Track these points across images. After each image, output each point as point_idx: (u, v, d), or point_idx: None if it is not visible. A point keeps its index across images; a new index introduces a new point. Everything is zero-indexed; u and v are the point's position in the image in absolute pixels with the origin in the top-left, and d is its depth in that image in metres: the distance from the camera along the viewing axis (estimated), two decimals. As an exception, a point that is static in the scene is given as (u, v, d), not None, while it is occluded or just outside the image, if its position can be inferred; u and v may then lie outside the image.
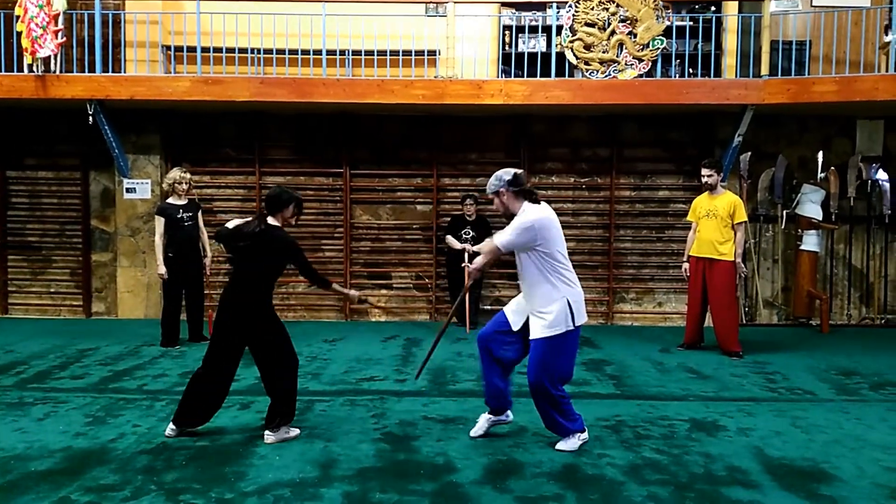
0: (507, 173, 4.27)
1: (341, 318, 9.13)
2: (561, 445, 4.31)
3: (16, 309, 9.26)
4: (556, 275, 4.20)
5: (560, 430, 4.34)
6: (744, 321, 8.66)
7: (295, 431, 4.54)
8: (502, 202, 4.28)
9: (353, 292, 5.03)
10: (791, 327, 8.81)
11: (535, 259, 4.19)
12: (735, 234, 6.93)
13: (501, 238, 4.21)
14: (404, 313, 9.18)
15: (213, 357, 4.46)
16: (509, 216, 4.32)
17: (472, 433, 4.54)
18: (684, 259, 7.33)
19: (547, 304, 4.17)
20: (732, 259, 6.92)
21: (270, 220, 4.51)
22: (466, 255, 8.17)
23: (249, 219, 4.61)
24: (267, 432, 4.43)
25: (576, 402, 5.14)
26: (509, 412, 4.60)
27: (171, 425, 4.50)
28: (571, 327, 4.19)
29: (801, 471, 4.02)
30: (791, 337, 8.13)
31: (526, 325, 4.30)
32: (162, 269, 7.10)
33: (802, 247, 8.56)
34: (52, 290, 9.26)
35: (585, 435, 4.39)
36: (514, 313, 4.39)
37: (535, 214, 4.20)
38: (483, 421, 4.56)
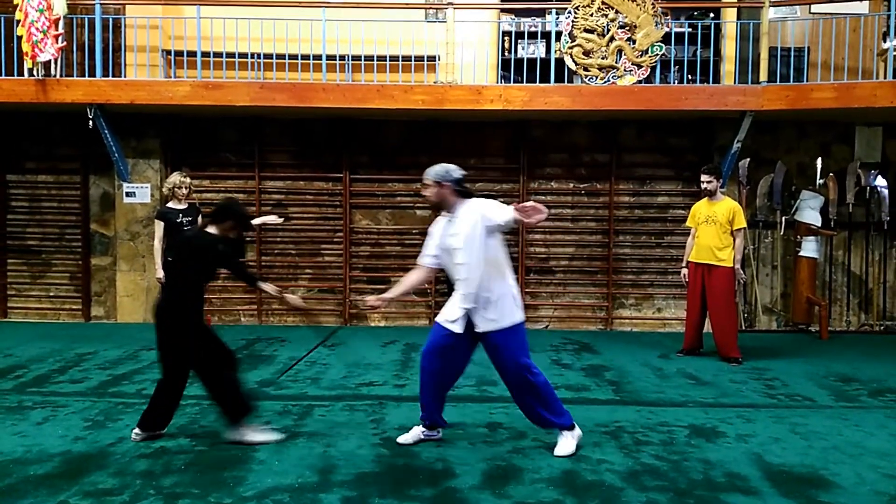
0: (456, 171, 4.36)
1: (340, 323, 9.12)
2: (558, 451, 4.31)
3: (15, 312, 9.26)
4: (508, 267, 4.34)
5: (547, 423, 4.35)
6: (743, 327, 8.66)
7: (269, 436, 4.49)
8: (440, 193, 4.32)
9: (288, 296, 4.95)
10: (790, 333, 8.81)
11: (498, 249, 4.27)
12: (734, 240, 6.94)
13: (501, 213, 4.13)
14: (403, 318, 9.18)
15: (162, 365, 4.49)
16: (436, 208, 4.45)
17: (401, 440, 4.55)
18: (683, 265, 7.34)
19: (501, 297, 4.22)
20: (731, 265, 6.93)
21: (209, 229, 4.48)
22: None
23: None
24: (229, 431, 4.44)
25: (575, 407, 5.14)
26: (440, 431, 4.60)
27: (136, 429, 4.50)
28: (520, 319, 4.29)
29: (800, 477, 4.02)
30: (790, 343, 8.13)
31: (468, 329, 4.29)
32: (160, 274, 7.08)
33: (801, 253, 8.57)
34: (51, 293, 9.26)
35: (578, 431, 4.39)
36: (451, 321, 4.33)
37: (487, 200, 4.33)
38: (417, 432, 4.56)
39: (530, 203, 3.88)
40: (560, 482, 3.90)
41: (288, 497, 3.66)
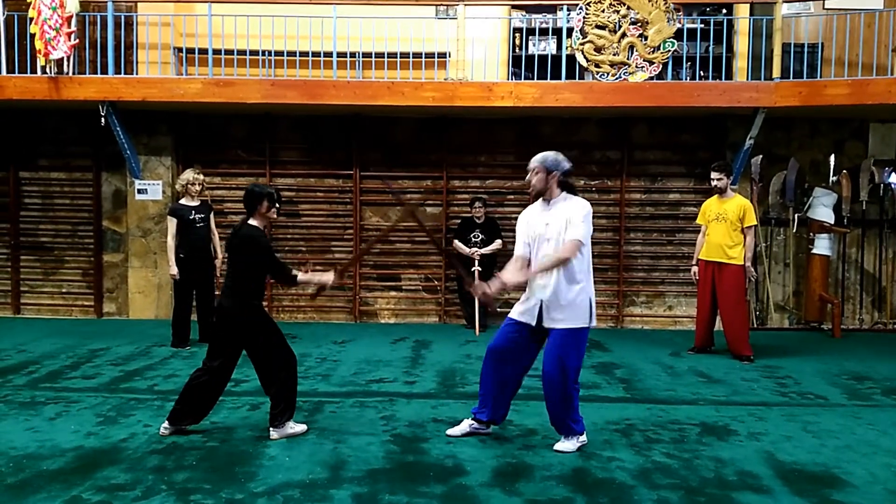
0: (567, 161, 4.33)
1: (350, 320, 9.14)
2: (559, 446, 4.32)
3: (28, 309, 9.32)
4: (586, 270, 4.27)
5: (564, 428, 4.35)
6: (755, 325, 8.61)
7: (301, 427, 4.58)
8: (547, 182, 4.28)
9: (323, 277, 4.68)
10: (802, 331, 8.76)
11: (586, 249, 4.24)
12: (745, 237, 6.90)
13: (577, 232, 4.15)
14: (413, 315, 9.19)
15: (211, 359, 4.51)
16: (537, 195, 4.37)
17: (450, 432, 4.59)
18: (693, 263, 7.30)
19: (575, 297, 4.20)
20: (742, 263, 6.90)
21: (250, 221, 4.51)
22: (476, 261, 8.18)
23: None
24: (272, 430, 4.47)
25: (585, 404, 5.14)
26: (491, 427, 4.62)
27: (165, 423, 4.55)
28: (590, 324, 4.27)
29: (812, 476, 4.00)
30: (802, 341, 8.09)
31: (537, 326, 4.30)
32: (174, 270, 7.13)
33: (814, 251, 8.51)
34: (63, 290, 9.32)
35: (584, 438, 4.40)
36: (524, 314, 4.37)
37: (587, 204, 4.29)
38: (465, 425, 4.60)
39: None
40: (570, 480, 3.89)
41: (298, 493, 3.67)
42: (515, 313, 4.41)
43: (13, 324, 8.69)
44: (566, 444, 4.32)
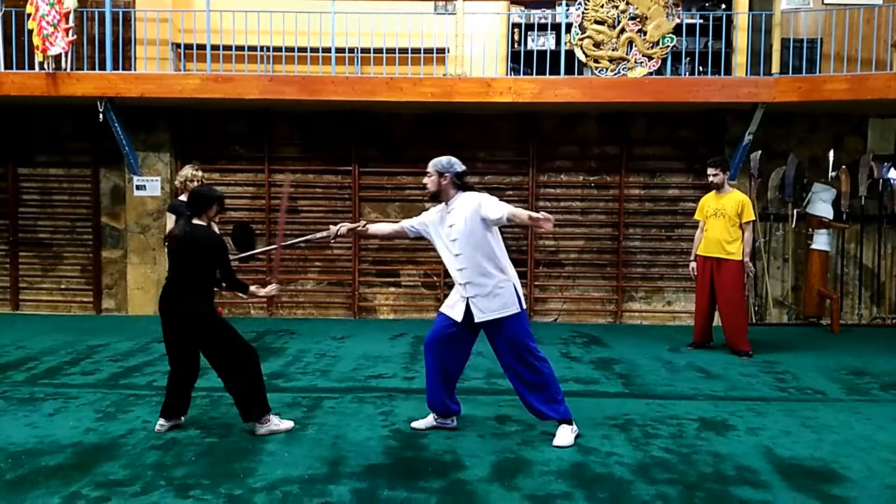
0: (459, 164, 4.50)
1: (350, 316, 9.14)
2: (557, 441, 4.35)
3: (27, 305, 9.32)
4: (506, 258, 4.41)
5: (551, 410, 4.38)
6: (753, 320, 8.62)
7: (287, 423, 4.58)
8: (440, 184, 4.45)
9: (268, 287, 4.74)
10: (801, 327, 8.77)
11: (495, 240, 4.37)
12: (743, 233, 6.90)
13: (499, 208, 4.23)
14: (412, 311, 9.19)
15: (172, 359, 4.54)
16: (434, 197, 4.57)
17: (415, 424, 4.67)
18: (692, 258, 7.31)
19: (497, 286, 4.30)
20: (740, 258, 6.89)
21: (195, 221, 4.49)
22: None
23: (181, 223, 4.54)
24: (256, 426, 4.47)
25: (584, 399, 5.16)
26: (454, 419, 4.67)
27: (161, 420, 4.56)
28: (521, 308, 4.36)
29: (810, 471, 4.01)
30: (801, 336, 8.09)
31: (469, 318, 4.36)
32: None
33: (813, 246, 8.52)
34: (62, 286, 9.32)
35: (575, 427, 4.42)
36: (452, 308, 4.45)
37: (482, 192, 4.48)
38: (430, 419, 4.67)
39: (542, 215, 3.96)
40: (569, 475, 3.90)
41: (297, 488, 3.68)
42: (445, 307, 4.51)
43: (12, 320, 8.69)
44: (563, 438, 4.34)
